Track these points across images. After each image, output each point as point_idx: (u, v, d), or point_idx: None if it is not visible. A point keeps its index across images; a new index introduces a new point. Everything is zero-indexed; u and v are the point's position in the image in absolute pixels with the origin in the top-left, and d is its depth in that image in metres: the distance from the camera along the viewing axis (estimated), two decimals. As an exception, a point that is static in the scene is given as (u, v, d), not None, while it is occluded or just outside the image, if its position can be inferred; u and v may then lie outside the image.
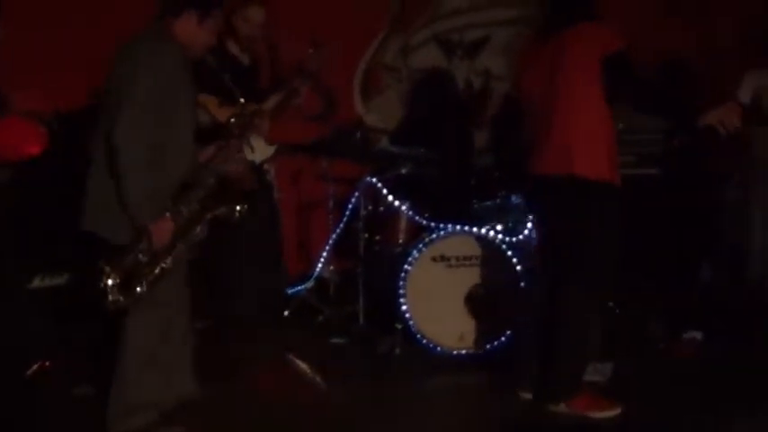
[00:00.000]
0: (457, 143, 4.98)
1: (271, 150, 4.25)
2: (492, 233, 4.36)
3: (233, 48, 4.19)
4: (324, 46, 4.15)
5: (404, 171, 4.69)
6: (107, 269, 3.09)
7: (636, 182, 5.23)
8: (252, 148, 3.83)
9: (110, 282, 3.08)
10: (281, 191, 4.72)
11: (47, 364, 3.95)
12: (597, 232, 3.51)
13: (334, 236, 4.91)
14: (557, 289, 3.58)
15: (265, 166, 4.37)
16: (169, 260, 3.16)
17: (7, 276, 3.94)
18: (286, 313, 4.72)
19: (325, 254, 4.99)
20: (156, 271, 3.15)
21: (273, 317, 4.48)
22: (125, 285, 3.11)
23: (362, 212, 4.65)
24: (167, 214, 3.13)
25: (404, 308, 4.28)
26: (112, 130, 3.02)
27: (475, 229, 4.34)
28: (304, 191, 5.36)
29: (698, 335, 4.43)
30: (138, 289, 3.13)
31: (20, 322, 3.90)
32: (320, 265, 5.01)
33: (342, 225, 4.83)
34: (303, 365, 4.07)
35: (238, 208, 3.28)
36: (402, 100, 5.49)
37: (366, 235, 4.70)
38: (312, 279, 4.93)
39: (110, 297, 3.09)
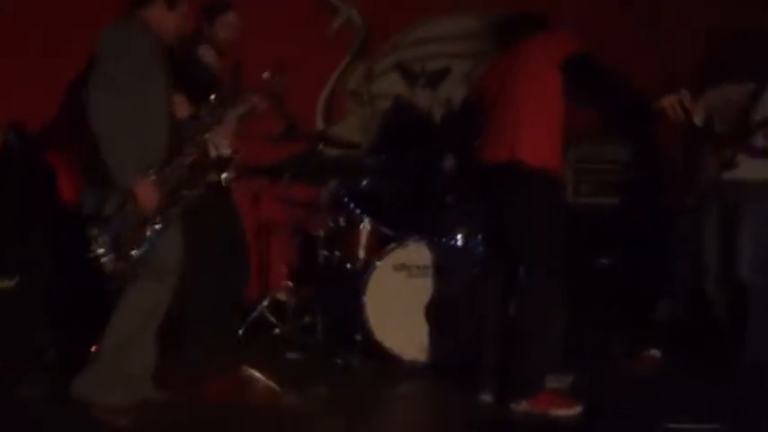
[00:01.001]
0: (423, 162, 4.95)
1: (228, 150, 4.21)
2: (452, 241, 4.34)
3: (207, 54, 4.19)
4: (283, 70, 4.19)
5: (365, 183, 4.67)
6: (95, 232, 3.18)
7: (596, 210, 5.32)
8: (214, 145, 3.82)
9: (100, 249, 3.18)
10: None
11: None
12: (541, 220, 3.56)
13: (292, 248, 4.80)
14: (513, 282, 3.59)
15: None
16: (159, 221, 3.25)
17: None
18: (240, 332, 4.59)
19: (283, 272, 4.89)
20: (148, 233, 3.23)
21: (228, 325, 4.31)
22: (118, 249, 3.20)
23: (323, 226, 4.60)
24: (152, 178, 3.25)
25: (364, 317, 4.21)
26: (87, 107, 3.18)
27: (434, 238, 4.33)
28: (263, 214, 5.29)
29: (657, 353, 4.42)
30: (134, 252, 3.21)
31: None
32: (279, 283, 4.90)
33: (300, 240, 4.75)
34: (257, 374, 3.95)
35: (224, 175, 3.52)
36: (364, 125, 5.52)
37: (326, 252, 4.65)
38: (268, 297, 4.82)
39: (104, 260, 3.19)
